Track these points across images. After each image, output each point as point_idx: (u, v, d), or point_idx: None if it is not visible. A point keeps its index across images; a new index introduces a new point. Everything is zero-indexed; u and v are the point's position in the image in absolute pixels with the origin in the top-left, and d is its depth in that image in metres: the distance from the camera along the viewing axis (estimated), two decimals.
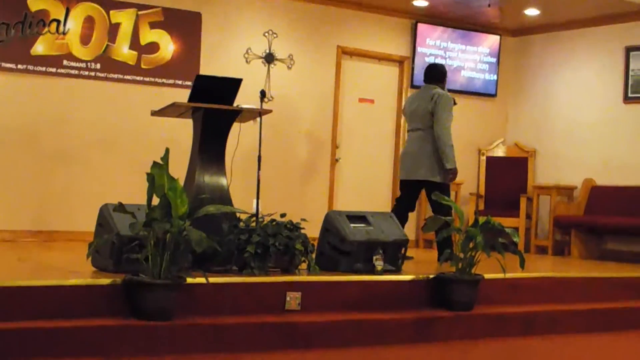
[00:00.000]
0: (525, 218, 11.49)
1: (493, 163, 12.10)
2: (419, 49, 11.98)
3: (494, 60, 12.51)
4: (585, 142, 11.76)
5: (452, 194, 11.67)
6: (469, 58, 12.36)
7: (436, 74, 9.18)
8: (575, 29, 11.99)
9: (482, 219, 7.02)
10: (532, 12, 11.58)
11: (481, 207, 11.81)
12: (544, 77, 12.24)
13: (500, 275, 7.21)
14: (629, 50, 11.38)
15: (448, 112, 8.88)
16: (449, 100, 8.90)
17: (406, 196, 9.12)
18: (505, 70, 12.61)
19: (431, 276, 7.06)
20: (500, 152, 12.26)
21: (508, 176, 12.07)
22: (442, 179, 8.83)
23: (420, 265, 8.47)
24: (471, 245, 6.91)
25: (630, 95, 11.34)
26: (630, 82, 11.36)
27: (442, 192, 8.13)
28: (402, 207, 9.03)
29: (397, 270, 7.32)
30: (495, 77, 12.52)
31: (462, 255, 6.95)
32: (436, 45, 12.11)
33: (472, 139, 12.37)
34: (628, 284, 8.42)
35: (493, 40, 12.50)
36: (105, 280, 5.79)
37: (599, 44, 11.75)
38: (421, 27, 11.98)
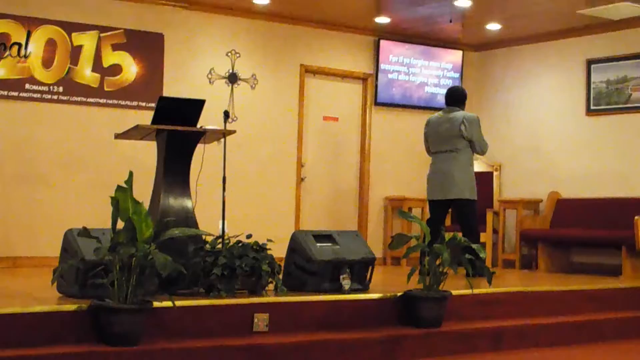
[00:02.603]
0: (492, 233, 11.53)
1: None
2: (382, 66, 12.02)
3: (457, 75, 12.57)
4: (549, 155, 11.84)
5: (419, 210, 11.76)
6: (432, 74, 12.42)
7: (458, 96, 9.72)
8: (536, 42, 12.09)
9: (448, 235, 7.05)
10: (493, 26, 11.66)
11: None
12: (507, 91, 12.33)
13: (468, 291, 7.23)
14: (590, 62, 11.48)
15: (480, 131, 9.54)
16: (477, 121, 9.56)
17: (438, 216, 9.57)
18: (469, 85, 12.66)
19: (399, 294, 7.06)
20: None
21: None
22: (470, 195, 9.43)
23: (388, 283, 8.48)
24: (438, 262, 6.93)
25: (592, 107, 11.44)
26: (592, 95, 11.46)
27: (472, 208, 9.40)
28: (436, 228, 9.25)
29: (365, 289, 7.32)
30: None
31: (429, 272, 6.97)
32: (399, 61, 12.16)
33: None
34: (594, 297, 8.47)
35: (455, 55, 12.57)
36: (70, 306, 5.74)
37: (561, 57, 11.85)
38: (384, 43, 12.03)
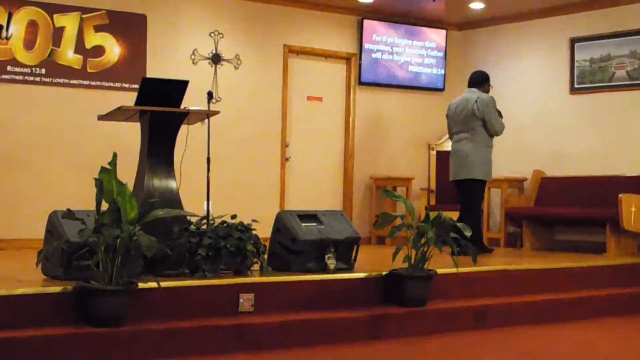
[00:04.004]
0: None
1: (442, 157, 12.10)
2: (365, 45, 12.01)
3: (440, 54, 12.58)
4: (533, 133, 11.87)
5: (403, 189, 11.78)
6: (415, 53, 12.43)
7: (476, 78, 9.93)
8: (520, 21, 12.10)
9: (433, 214, 7.08)
10: (477, 5, 11.66)
11: (432, 202, 11.87)
12: (490, 70, 12.24)
13: (453, 270, 7.26)
14: (573, 41, 11.50)
15: (494, 112, 9.69)
16: (490, 101, 9.69)
17: (460, 198, 9.88)
18: (453, 64, 12.69)
19: (384, 273, 7.08)
20: (450, 146, 12.31)
21: None
22: (482, 175, 9.68)
23: (373, 262, 8.50)
24: (423, 241, 6.95)
25: (576, 86, 11.47)
26: (576, 73, 11.48)
27: (477, 188, 9.68)
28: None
29: (350, 269, 7.34)
30: (442, 71, 12.61)
31: (413, 251, 6.99)
32: (383, 41, 12.16)
33: (421, 134, 12.44)
34: (579, 274, 8.53)
35: (439, 34, 12.58)
36: (55, 288, 5.75)
37: (544, 36, 11.86)
38: (367, 23, 12.02)
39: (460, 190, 9.85)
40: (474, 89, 9.83)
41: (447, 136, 11.79)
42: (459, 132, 9.80)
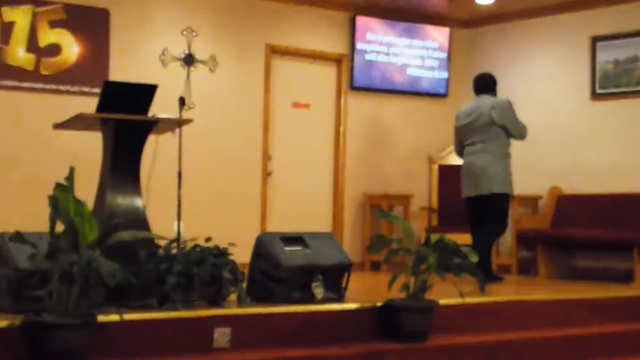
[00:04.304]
0: None
1: (446, 172, 12.18)
2: (358, 45, 12.05)
3: (443, 55, 12.62)
4: (549, 145, 11.90)
5: (400, 209, 11.80)
6: (415, 54, 12.47)
7: (486, 83, 10.07)
8: (533, 18, 12.15)
9: (434, 237, 7.08)
10: (485, 0, 11.69)
11: (434, 222, 11.89)
12: (499, 73, 12.30)
13: (458, 301, 7.26)
14: (595, 40, 11.54)
15: (515, 115, 9.90)
16: (508, 104, 9.88)
17: (474, 215, 9.90)
18: (457, 66, 12.72)
19: (379, 304, 7.08)
20: (454, 159, 12.35)
21: None
22: (502, 189, 9.74)
23: (367, 291, 8.50)
24: (423, 267, 6.95)
25: (598, 91, 11.51)
26: (597, 77, 11.52)
27: (500, 203, 9.71)
28: (474, 229, 9.93)
29: (340, 299, 7.33)
30: (446, 74, 12.64)
31: (412, 278, 6.99)
32: (378, 40, 12.19)
33: (421, 146, 12.47)
34: (601, 307, 8.50)
35: (442, 33, 12.62)
36: (1, 322, 5.72)
37: (561, 34, 11.91)
38: (360, 20, 12.06)
39: (478, 208, 9.86)
40: (484, 95, 9.91)
41: (451, 149, 11.84)
42: (472, 143, 9.85)
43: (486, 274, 8.63)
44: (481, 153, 9.75)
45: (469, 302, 7.52)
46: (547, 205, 11.59)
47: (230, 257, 6.87)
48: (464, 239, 10.38)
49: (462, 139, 9.99)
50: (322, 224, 11.86)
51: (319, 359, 6.51)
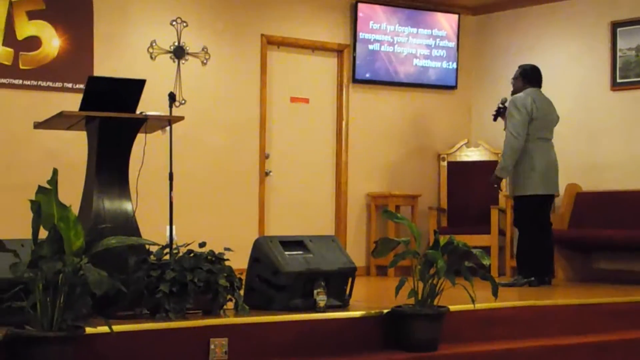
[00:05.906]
0: (498, 235, 11.58)
1: (456, 169, 12.21)
2: (360, 35, 12.06)
3: (452, 44, 12.63)
4: (566, 139, 11.85)
5: (407, 209, 11.81)
6: (422, 43, 12.48)
7: (539, 75, 10.48)
8: (548, 2, 12.14)
9: (443, 239, 7.09)
10: None
11: (443, 223, 11.91)
12: (512, 62, 12.33)
13: (469, 307, 7.28)
14: (615, 25, 11.54)
15: None
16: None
17: (546, 213, 10.27)
18: (467, 56, 12.73)
19: (385, 311, 7.10)
20: (464, 155, 12.39)
21: (475, 185, 12.12)
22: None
23: (372, 297, 8.52)
24: (432, 271, 6.97)
25: (618, 80, 11.51)
26: (618, 65, 11.52)
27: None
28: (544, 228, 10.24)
29: (344, 306, 7.36)
30: (454, 64, 12.65)
31: (421, 283, 7.01)
32: (382, 29, 12.20)
33: (429, 142, 12.49)
34: (623, 311, 8.52)
35: (450, 20, 12.63)
36: None
37: (579, 20, 11.90)
38: (362, 7, 12.07)
39: (546, 207, 10.25)
40: (540, 89, 10.32)
41: (462, 144, 11.88)
42: (546, 139, 10.21)
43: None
44: (553, 150, 10.19)
45: (482, 308, 7.55)
46: (564, 204, 11.58)
47: (227, 263, 6.90)
48: (476, 240, 10.46)
49: (533, 131, 10.10)
50: (323, 226, 11.87)
51: None
